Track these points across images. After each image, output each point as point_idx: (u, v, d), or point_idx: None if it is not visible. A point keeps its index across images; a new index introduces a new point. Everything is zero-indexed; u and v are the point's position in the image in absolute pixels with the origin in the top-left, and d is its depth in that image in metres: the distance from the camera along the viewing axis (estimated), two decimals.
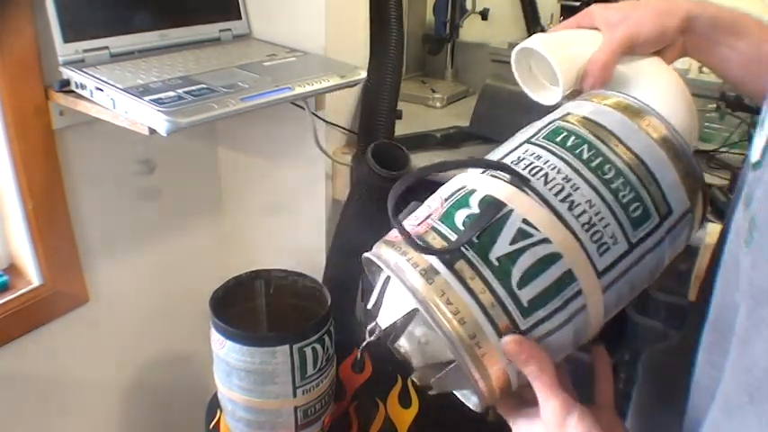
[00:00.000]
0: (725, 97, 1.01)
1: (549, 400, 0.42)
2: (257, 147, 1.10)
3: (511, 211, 0.42)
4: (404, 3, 1.03)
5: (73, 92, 0.79)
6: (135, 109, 0.71)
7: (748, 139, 1.20)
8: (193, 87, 0.76)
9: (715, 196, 0.99)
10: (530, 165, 0.45)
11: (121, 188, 1.03)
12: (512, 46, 1.20)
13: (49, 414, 1.01)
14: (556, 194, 0.43)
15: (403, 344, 0.47)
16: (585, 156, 0.45)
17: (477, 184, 0.45)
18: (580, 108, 0.49)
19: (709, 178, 1.08)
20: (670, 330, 1.08)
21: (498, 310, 0.41)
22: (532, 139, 0.47)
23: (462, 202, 0.44)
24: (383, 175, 0.79)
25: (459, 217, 0.43)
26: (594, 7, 0.56)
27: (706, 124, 1.28)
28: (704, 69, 1.08)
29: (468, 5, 1.47)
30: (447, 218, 0.44)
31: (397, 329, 0.46)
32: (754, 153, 0.36)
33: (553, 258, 0.42)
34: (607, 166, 0.44)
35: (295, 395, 0.85)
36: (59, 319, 0.97)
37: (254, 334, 0.83)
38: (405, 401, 0.97)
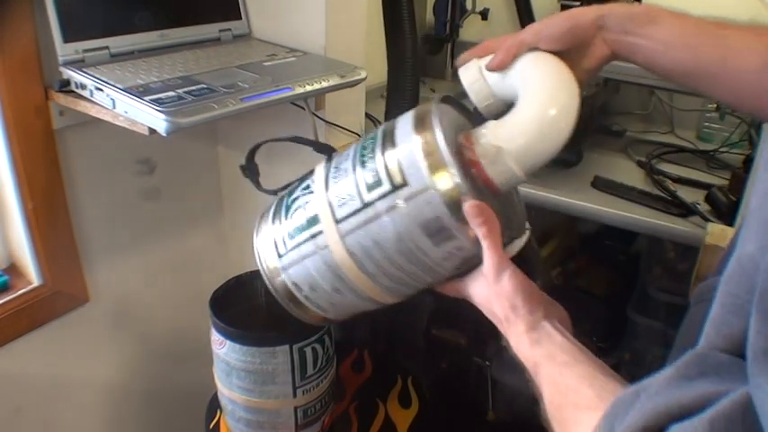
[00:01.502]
0: None
1: (491, 257, 0.52)
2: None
3: (313, 170, 0.62)
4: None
5: (73, 92, 0.79)
6: (135, 109, 0.71)
7: (748, 139, 1.20)
8: (193, 87, 0.76)
9: (716, 196, 0.99)
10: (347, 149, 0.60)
11: (121, 188, 1.03)
12: None
13: (48, 414, 1.01)
14: (335, 165, 0.58)
15: None
16: (365, 140, 0.57)
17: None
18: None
19: (709, 178, 1.08)
20: (670, 330, 1.08)
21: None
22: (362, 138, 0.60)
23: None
24: None
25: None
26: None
27: (706, 124, 1.28)
28: None
29: (468, 5, 1.47)
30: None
31: None
32: None
33: (309, 202, 0.58)
34: (370, 140, 0.56)
35: (295, 395, 0.85)
36: (59, 319, 0.97)
37: (254, 334, 0.82)
38: (405, 401, 0.98)
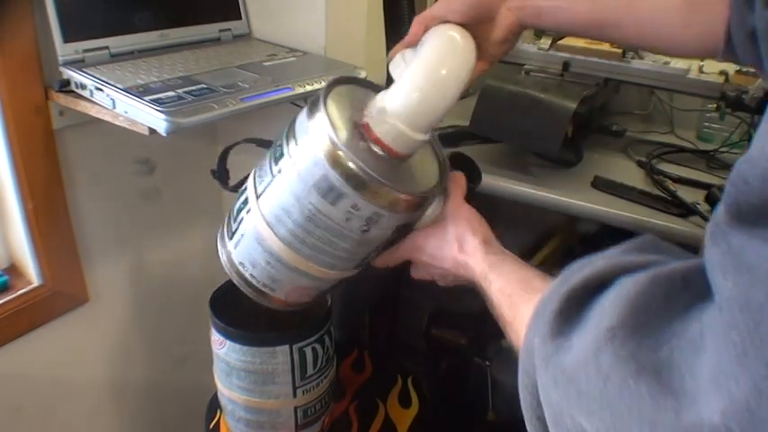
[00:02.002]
0: (725, 97, 1.01)
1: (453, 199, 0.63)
2: (257, 147, 1.10)
3: None
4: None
5: (73, 92, 0.79)
6: (135, 109, 0.71)
7: (748, 139, 1.20)
8: (193, 87, 0.76)
9: (716, 196, 0.99)
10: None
11: (121, 188, 1.03)
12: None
13: (49, 414, 1.01)
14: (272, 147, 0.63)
15: None
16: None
17: None
18: None
19: (709, 178, 1.08)
20: None
21: None
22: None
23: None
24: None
25: None
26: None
27: (706, 124, 1.28)
28: (704, 69, 1.08)
29: None
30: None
31: None
32: None
33: (246, 185, 0.65)
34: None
35: (295, 395, 0.85)
36: (59, 319, 0.97)
37: (254, 334, 0.82)
38: (405, 401, 0.98)
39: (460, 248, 0.61)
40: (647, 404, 0.29)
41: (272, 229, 0.63)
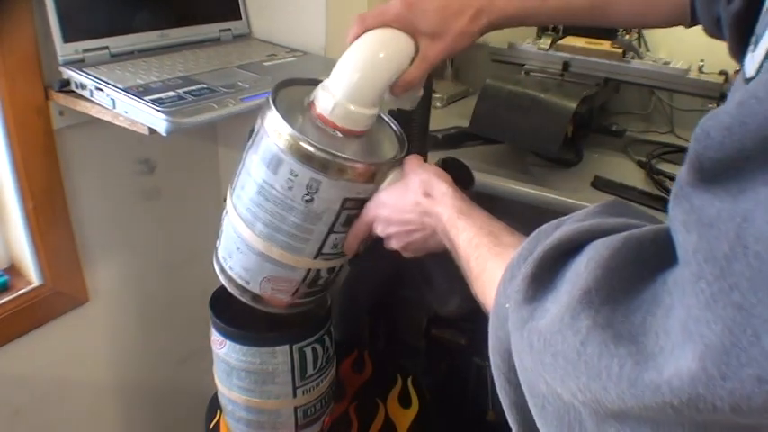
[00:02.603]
0: (725, 97, 1.01)
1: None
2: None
3: None
4: None
5: (73, 92, 0.79)
6: (135, 109, 0.71)
7: None
8: (193, 87, 0.76)
9: None
10: None
11: (121, 188, 1.03)
12: (512, 46, 1.20)
13: (48, 414, 1.01)
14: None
15: None
16: None
17: None
18: None
19: None
20: None
21: None
22: None
23: None
24: None
25: None
26: (405, 11, 0.63)
27: None
28: (704, 69, 1.08)
29: None
30: None
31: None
32: (749, 69, 0.38)
33: None
34: None
35: (295, 395, 0.85)
36: (59, 319, 0.97)
37: (254, 334, 0.82)
38: (405, 401, 0.98)
39: (426, 193, 0.59)
40: (627, 364, 0.29)
41: (235, 210, 0.69)
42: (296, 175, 0.63)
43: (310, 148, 0.61)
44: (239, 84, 0.79)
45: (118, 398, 1.14)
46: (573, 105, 1.00)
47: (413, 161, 0.64)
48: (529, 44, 1.19)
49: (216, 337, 0.84)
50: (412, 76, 0.63)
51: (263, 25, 1.01)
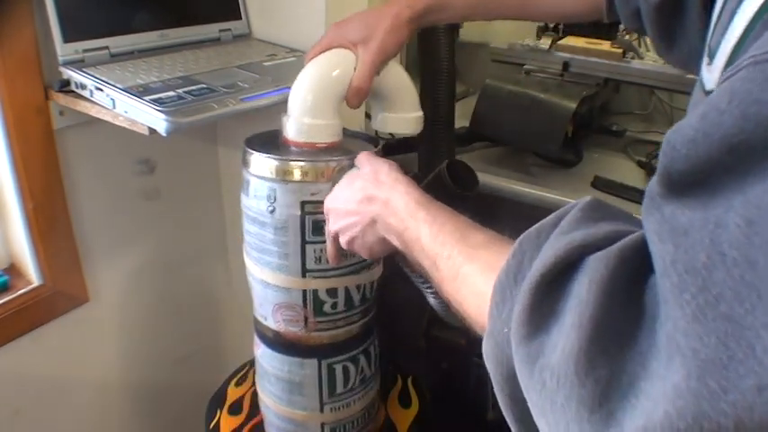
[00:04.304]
0: None
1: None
2: None
3: None
4: None
5: (73, 92, 0.79)
6: (135, 109, 0.71)
7: None
8: (193, 87, 0.76)
9: None
10: None
11: (121, 188, 1.03)
12: (512, 46, 1.20)
13: (49, 414, 1.01)
14: None
15: None
16: None
17: None
18: None
19: None
20: None
21: None
22: None
23: None
24: (456, 194, 0.77)
25: None
26: (335, 32, 0.70)
27: None
28: None
29: None
30: None
31: None
32: (709, 81, 0.39)
33: None
34: None
35: (322, 410, 0.83)
36: (59, 319, 0.97)
37: (286, 341, 0.81)
38: (405, 401, 0.97)
39: (377, 180, 0.56)
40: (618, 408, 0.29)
41: (244, 246, 0.76)
42: (257, 190, 0.68)
43: (255, 155, 0.67)
44: (239, 84, 0.79)
45: (118, 397, 1.14)
46: (573, 105, 1.00)
47: (364, 154, 0.65)
48: (529, 44, 1.19)
49: (255, 339, 0.84)
50: (357, 81, 0.68)
51: (263, 25, 1.01)
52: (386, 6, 0.69)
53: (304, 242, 0.69)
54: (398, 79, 0.72)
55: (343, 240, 0.61)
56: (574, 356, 0.31)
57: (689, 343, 0.26)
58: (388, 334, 1.17)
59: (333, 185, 0.64)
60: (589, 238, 0.35)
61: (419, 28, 0.71)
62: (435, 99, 0.96)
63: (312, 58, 0.70)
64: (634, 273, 0.32)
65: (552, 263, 0.35)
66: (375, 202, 0.55)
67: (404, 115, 0.74)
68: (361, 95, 0.69)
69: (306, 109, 0.68)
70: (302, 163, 0.67)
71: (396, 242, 0.54)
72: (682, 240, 0.28)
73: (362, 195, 0.57)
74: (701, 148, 0.28)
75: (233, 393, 0.97)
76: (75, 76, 0.77)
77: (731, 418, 0.25)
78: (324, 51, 0.69)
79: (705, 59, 0.39)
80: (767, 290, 0.25)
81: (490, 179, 1.00)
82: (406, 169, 0.60)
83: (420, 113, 0.74)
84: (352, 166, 0.66)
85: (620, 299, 0.31)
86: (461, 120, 1.11)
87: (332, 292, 0.73)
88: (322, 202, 0.63)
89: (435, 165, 0.68)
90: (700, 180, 0.28)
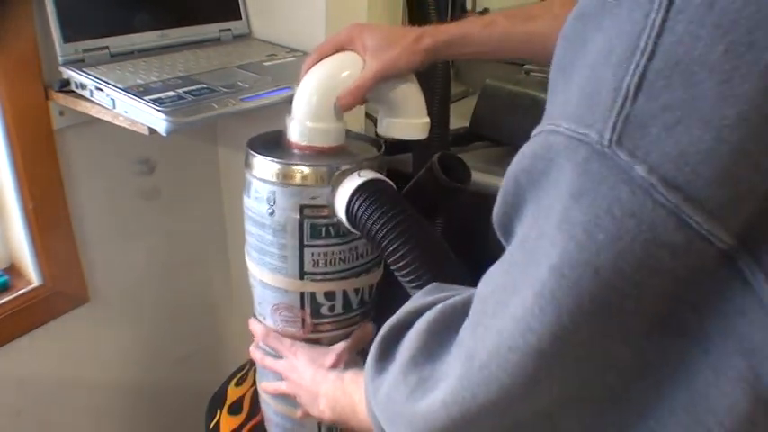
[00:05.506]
0: None
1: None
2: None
3: None
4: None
5: (73, 92, 0.79)
6: (135, 109, 0.71)
7: None
8: (193, 87, 0.76)
9: None
10: None
11: (121, 188, 1.03)
12: None
13: (48, 414, 1.01)
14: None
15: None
16: None
17: None
18: None
19: None
20: None
21: None
22: None
23: None
24: (447, 186, 0.75)
25: None
26: (354, 31, 0.69)
27: None
28: None
29: (469, 5, 1.47)
30: None
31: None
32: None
33: None
34: None
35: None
36: (59, 319, 0.97)
37: None
38: None
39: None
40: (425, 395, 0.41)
41: (245, 248, 0.76)
42: (258, 192, 0.69)
43: (256, 157, 0.67)
44: (239, 84, 0.79)
45: (118, 398, 1.14)
46: None
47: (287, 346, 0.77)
48: None
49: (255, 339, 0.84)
50: (356, 84, 0.67)
51: (263, 25, 1.01)
52: (412, 28, 0.69)
53: (302, 245, 0.69)
54: (406, 85, 0.71)
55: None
56: (396, 373, 0.45)
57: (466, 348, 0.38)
58: None
59: (333, 189, 0.65)
60: (420, 305, 0.47)
61: (436, 60, 0.69)
62: (429, 100, 0.96)
63: (323, 50, 0.69)
64: (450, 323, 0.42)
65: (391, 325, 0.48)
66: (344, 384, 0.69)
67: (410, 121, 0.72)
68: (354, 98, 0.68)
69: (309, 112, 0.68)
70: (302, 167, 0.66)
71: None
72: (486, 279, 0.40)
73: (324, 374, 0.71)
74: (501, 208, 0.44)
75: (233, 393, 0.97)
76: (75, 76, 0.77)
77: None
78: (337, 47, 0.69)
79: None
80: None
81: (490, 179, 1.00)
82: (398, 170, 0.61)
83: (426, 120, 0.73)
84: (352, 170, 0.66)
85: (439, 338, 0.42)
86: (461, 120, 1.11)
87: (329, 295, 0.73)
88: (321, 206, 0.66)
89: None
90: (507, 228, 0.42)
